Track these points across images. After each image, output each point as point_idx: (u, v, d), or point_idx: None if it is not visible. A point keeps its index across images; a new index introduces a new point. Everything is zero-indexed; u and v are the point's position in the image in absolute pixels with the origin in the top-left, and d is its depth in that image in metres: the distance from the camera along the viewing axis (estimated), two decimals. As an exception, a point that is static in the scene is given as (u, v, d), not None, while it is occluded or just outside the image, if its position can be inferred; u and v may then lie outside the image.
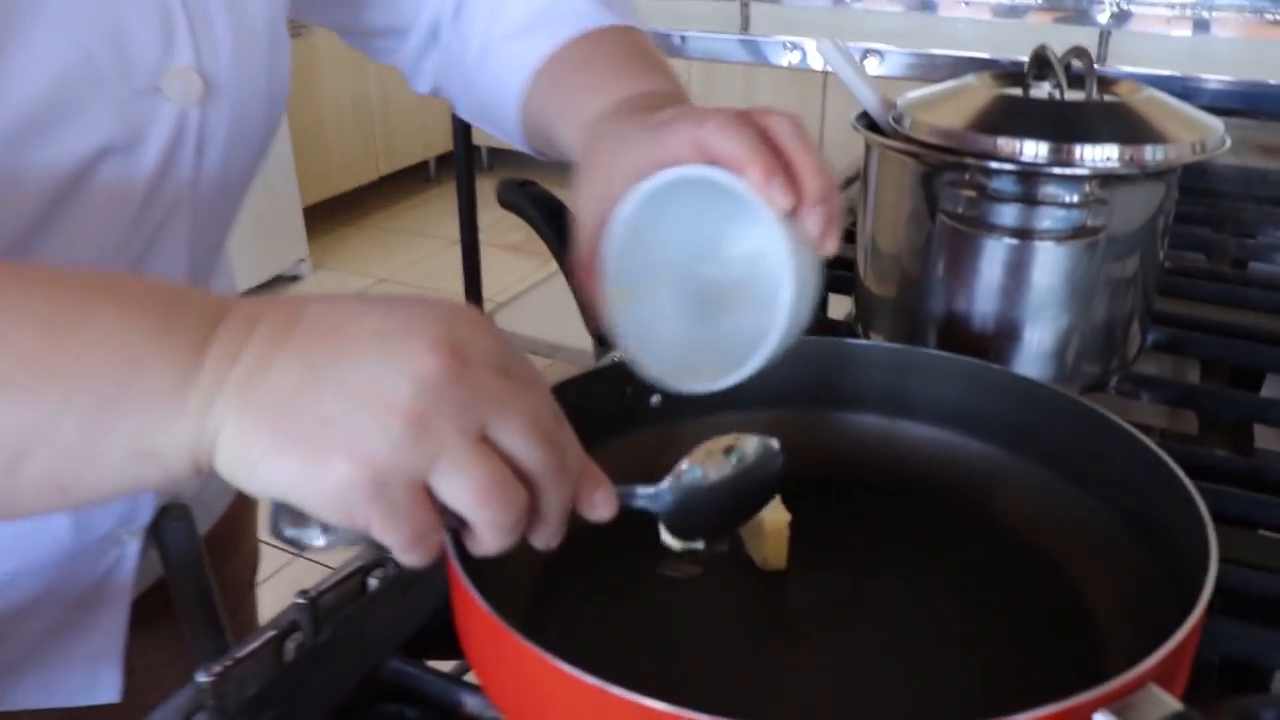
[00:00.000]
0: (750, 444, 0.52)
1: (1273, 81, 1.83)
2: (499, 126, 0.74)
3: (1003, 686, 0.50)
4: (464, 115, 0.78)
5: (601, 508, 0.45)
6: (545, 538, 0.44)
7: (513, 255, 3.63)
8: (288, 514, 0.41)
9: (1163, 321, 0.86)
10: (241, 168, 0.63)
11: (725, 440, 0.52)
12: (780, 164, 0.49)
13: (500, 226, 3.35)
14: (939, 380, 0.64)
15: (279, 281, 3.57)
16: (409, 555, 0.41)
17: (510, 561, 0.54)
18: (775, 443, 0.52)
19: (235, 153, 0.61)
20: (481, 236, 2.71)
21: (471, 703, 0.51)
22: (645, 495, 0.50)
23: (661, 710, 0.37)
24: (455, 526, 0.41)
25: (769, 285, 0.51)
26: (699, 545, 0.52)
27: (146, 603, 0.72)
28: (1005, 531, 0.60)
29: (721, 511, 0.52)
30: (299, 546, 0.42)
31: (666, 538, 0.52)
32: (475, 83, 0.73)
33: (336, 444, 0.38)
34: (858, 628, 0.55)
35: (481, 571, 0.46)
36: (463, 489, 0.39)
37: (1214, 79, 1.87)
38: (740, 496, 0.52)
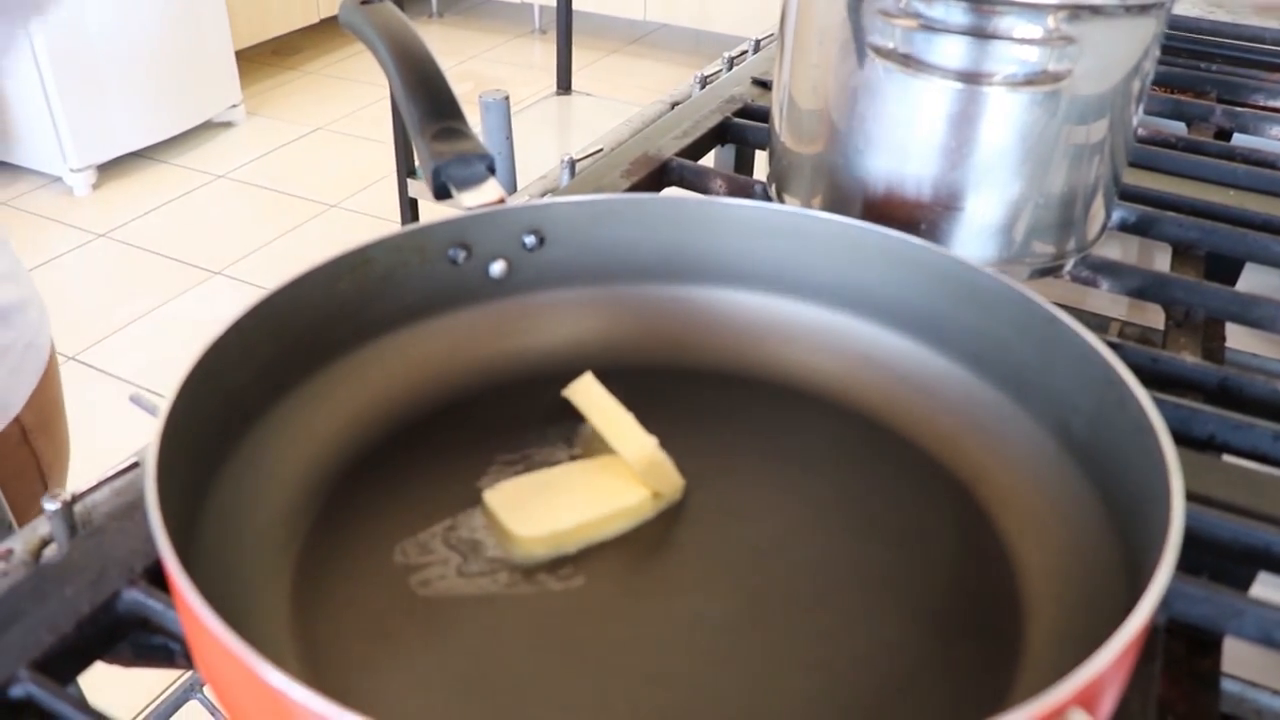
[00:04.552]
0: None
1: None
2: None
3: (898, 666, 0.38)
4: None
5: None
6: None
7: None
8: None
9: (1130, 198, 0.74)
10: None
11: None
12: None
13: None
14: (847, 255, 0.50)
15: (209, 126, 3.35)
16: None
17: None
18: None
19: None
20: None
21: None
22: None
23: None
24: None
25: None
26: None
27: None
28: (918, 453, 0.47)
29: None
30: None
31: None
32: None
33: None
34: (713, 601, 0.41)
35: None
36: None
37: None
38: None
